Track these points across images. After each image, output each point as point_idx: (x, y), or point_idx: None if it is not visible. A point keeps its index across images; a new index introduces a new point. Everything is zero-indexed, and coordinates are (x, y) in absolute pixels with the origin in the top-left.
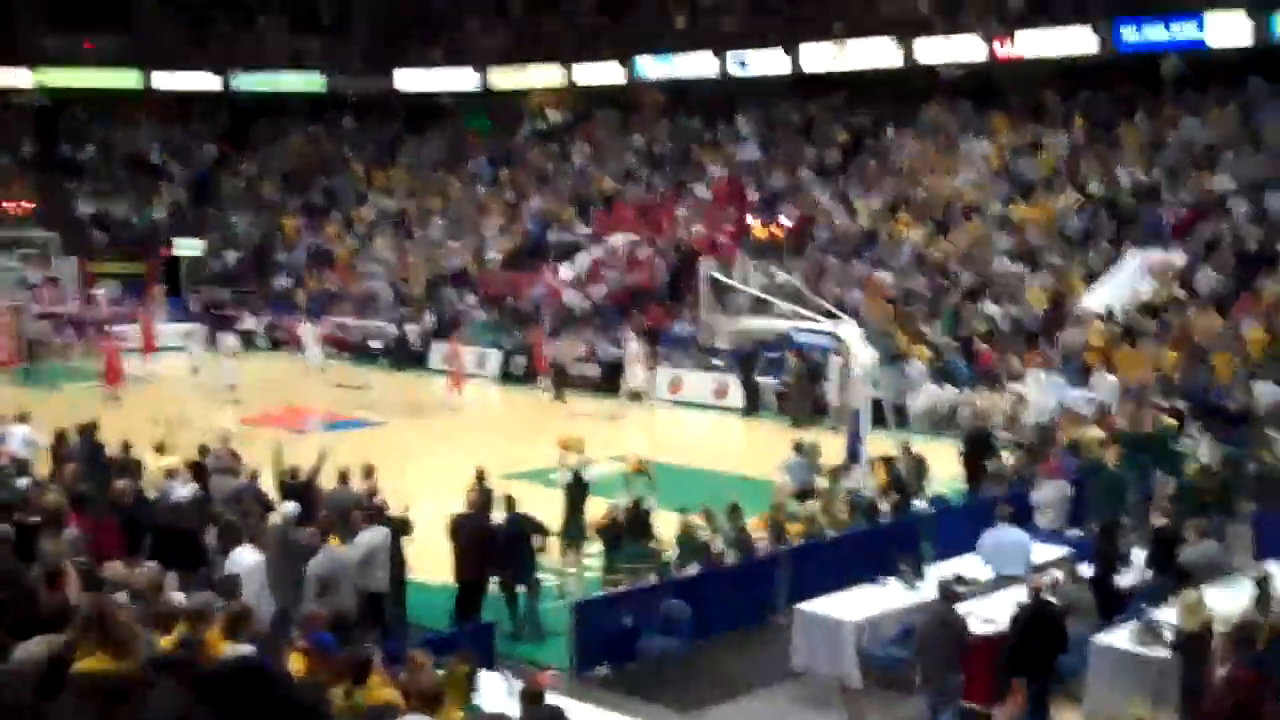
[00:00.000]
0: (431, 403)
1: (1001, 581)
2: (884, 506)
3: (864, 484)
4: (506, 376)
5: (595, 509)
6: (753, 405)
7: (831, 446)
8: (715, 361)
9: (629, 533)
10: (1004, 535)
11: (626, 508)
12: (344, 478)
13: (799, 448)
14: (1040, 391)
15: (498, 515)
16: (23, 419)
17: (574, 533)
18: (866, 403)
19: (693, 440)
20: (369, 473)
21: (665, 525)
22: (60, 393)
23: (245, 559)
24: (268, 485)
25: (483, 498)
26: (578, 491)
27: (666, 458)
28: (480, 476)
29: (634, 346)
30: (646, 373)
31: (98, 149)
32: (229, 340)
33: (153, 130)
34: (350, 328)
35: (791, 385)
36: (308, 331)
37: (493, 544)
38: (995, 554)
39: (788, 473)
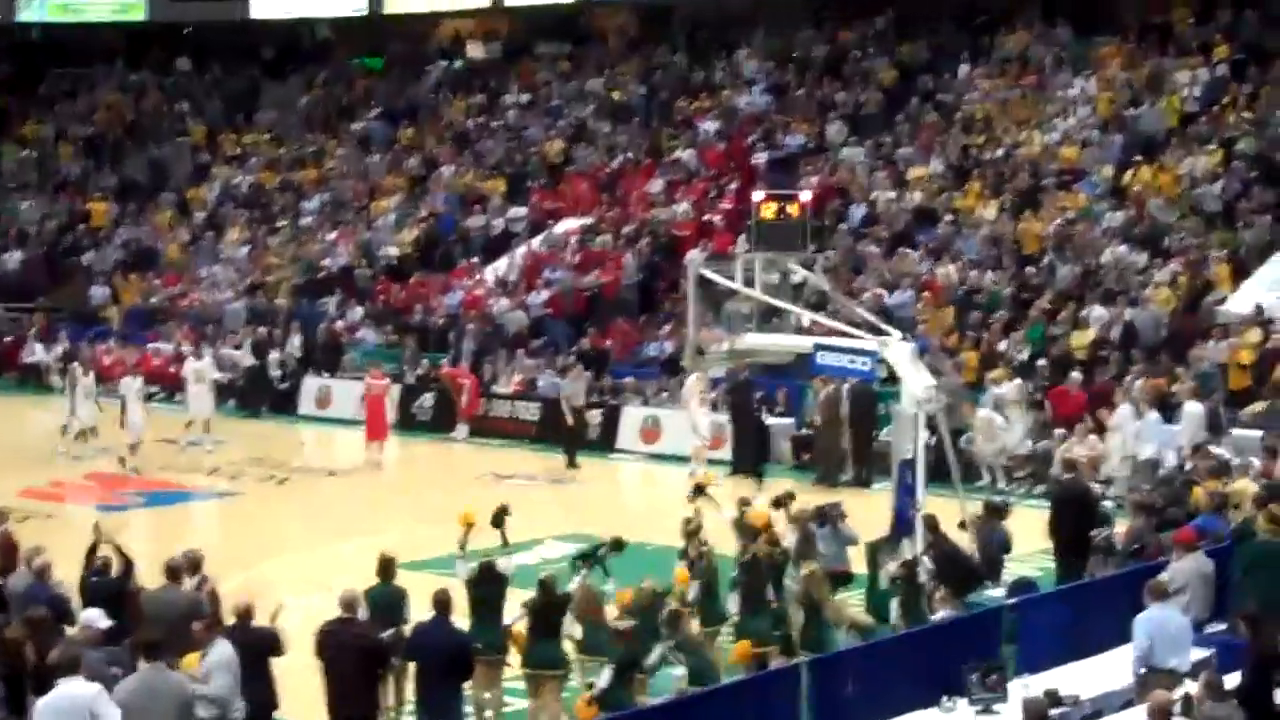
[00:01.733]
0: (305, 463)
1: (1110, 701)
2: (944, 596)
3: (920, 564)
4: (409, 422)
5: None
6: (752, 457)
7: (871, 511)
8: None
9: (538, 628)
10: (1167, 617)
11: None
12: (173, 573)
13: (823, 515)
14: (1132, 431)
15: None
16: None
17: (488, 643)
18: (920, 449)
19: (668, 508)
20: (195, 566)
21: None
22: None
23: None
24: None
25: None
26: (487, 589)
27: (632, 535)
28: (385, 567)
29: (691, 383)
30: (701, 418)
31: None
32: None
33: None
34: (184, 356)
35: (818, 428)
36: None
37: (381, 664)
38: (1161, 641)
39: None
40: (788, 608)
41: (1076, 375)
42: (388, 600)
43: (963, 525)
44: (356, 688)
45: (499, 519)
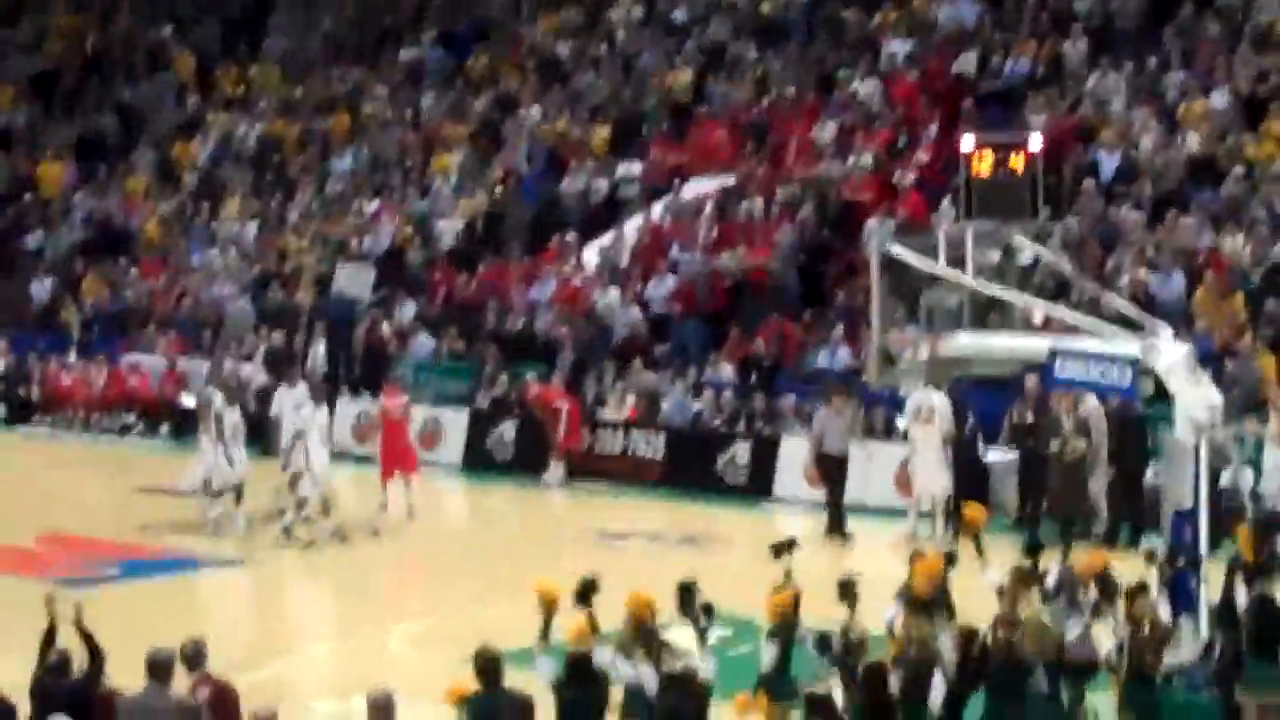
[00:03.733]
0: (339, 518)
1: None
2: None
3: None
4: (482, 461)
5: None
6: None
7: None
8: (898, 420)
9: None
10: None
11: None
12: (160, 671)
13: (1061, 589)
14: None
15: None
16: None
17: None
18: (1203, 493)
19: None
20: (194, 660)
21: None
22: None
23: None
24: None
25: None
26: (579, 691)
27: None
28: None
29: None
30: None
31: None
32: None
33: None
34: (166, 374)
35: (1060, 462)
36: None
37: None
38: None
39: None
40: None
41: None
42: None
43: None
44: None
45: (585, 594)
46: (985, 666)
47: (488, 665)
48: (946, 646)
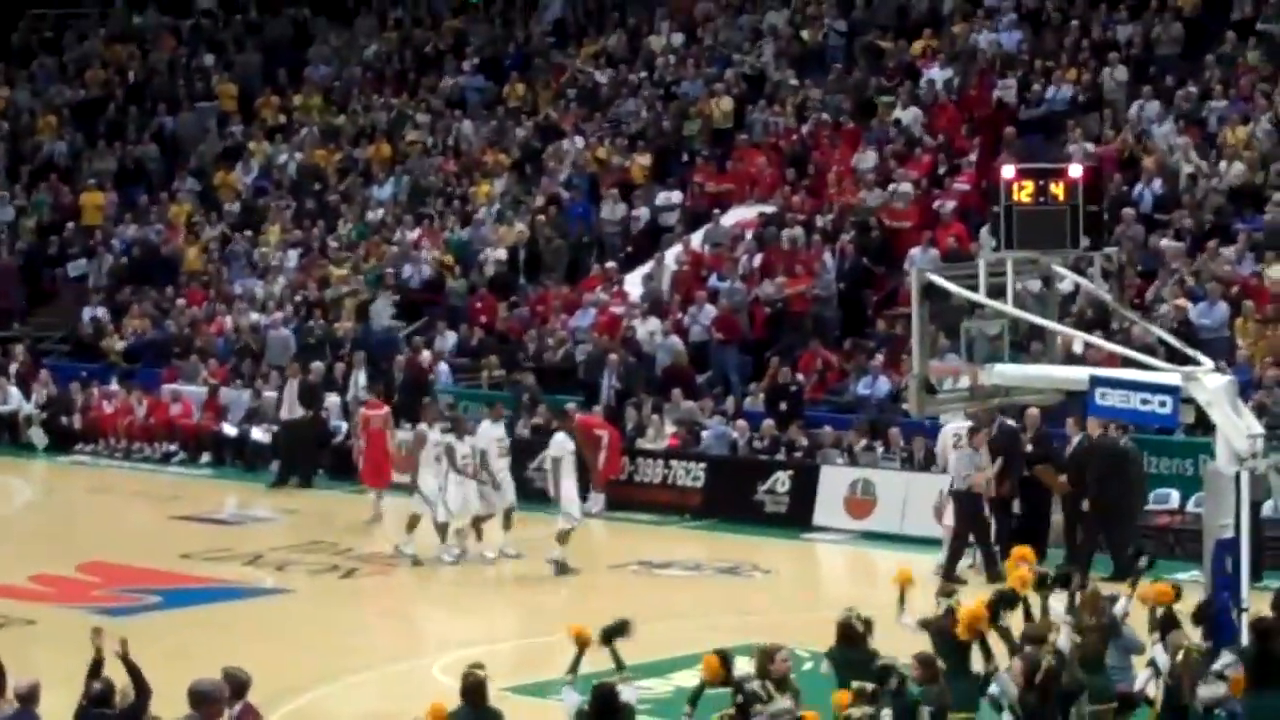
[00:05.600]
0: (378, 548)
1: None
2: None
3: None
4: (522, 490)
5: None
6: (1003, 544)
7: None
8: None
9: None
10: None
11: None
12: (204, 702)
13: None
14: None
15: None
16: None
17: None
18: (1245, 524)
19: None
20: (238, 690)
21: None
22: None
23: None
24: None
25: None
26: None
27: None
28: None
29: (947, 434)
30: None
31: None
32: None
33: None
34: (214, 402)
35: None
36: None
37: None
38: None
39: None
40: None
41: None
42: None
43: None
44: None
45: (611, 637)
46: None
47: (473, 685)
48: (1008, 682)
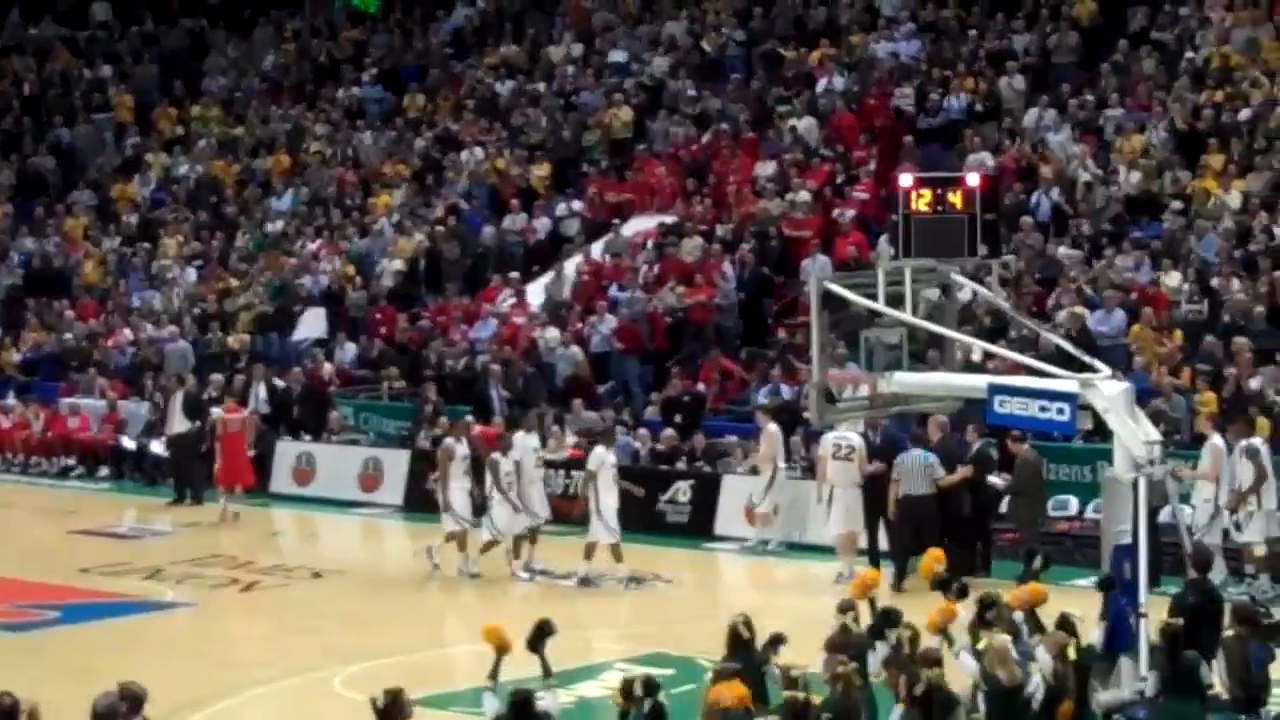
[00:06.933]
0: (280, 560)
1: None
2: None
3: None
4: (422, 501)
5: None
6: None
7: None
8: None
9: None
10: None
11: None
12: (103, 718)
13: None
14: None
15: None
16: None
17: None
18: (1143, 529)
19: (792, 619)
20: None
21: None
22: None
23: None
24: None
25: None
26: None
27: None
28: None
29: (772, 429)
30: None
31: None
32: None
33: None
34: (112, 415)
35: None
36: None
37: None
38: None
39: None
40: None
41: None
42: None
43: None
44: None
45: (537, 639)
46: None
47: (392, 705)
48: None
